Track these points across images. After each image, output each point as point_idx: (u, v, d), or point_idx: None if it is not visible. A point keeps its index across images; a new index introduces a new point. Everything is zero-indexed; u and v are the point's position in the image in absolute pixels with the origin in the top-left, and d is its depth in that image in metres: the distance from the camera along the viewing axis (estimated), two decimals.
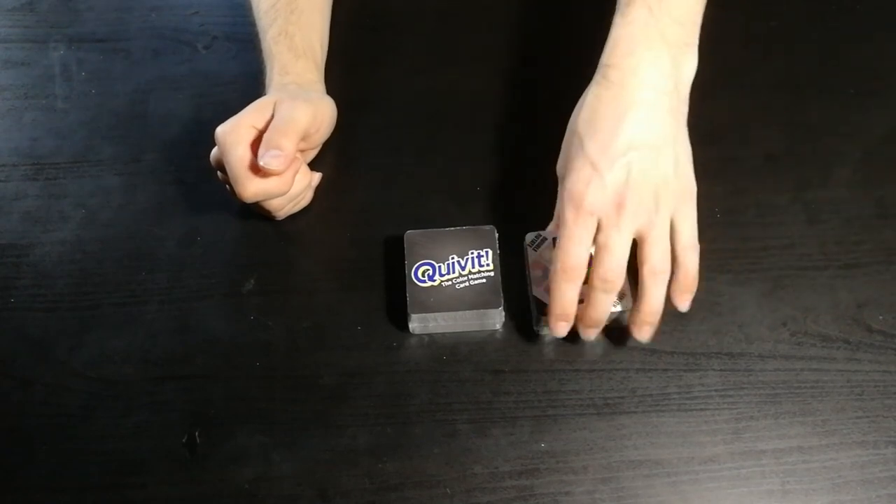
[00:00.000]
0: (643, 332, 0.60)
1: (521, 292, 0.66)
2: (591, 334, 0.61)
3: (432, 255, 0.64)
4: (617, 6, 0.61)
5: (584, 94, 0.60)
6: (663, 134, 0.57)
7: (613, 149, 0.56)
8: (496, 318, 0.64)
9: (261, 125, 0.64)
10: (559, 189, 0.60)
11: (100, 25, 0.83)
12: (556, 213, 0.62)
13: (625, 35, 0.59)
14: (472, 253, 0.64)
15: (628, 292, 0.61)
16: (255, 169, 0.62)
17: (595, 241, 0.57)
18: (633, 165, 0.56)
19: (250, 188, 0.62)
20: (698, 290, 0.62)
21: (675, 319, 0.65)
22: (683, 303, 0.60)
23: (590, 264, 0.58)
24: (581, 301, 0.59)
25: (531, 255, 0.64)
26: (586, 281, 0.59)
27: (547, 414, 0.62)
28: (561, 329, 0.60)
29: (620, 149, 0.56)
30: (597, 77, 0.59)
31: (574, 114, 0.60)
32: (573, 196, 0.57)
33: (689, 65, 0.59)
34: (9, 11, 0.85)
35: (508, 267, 0.66)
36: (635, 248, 0.58)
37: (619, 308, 0.62)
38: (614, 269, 0.56)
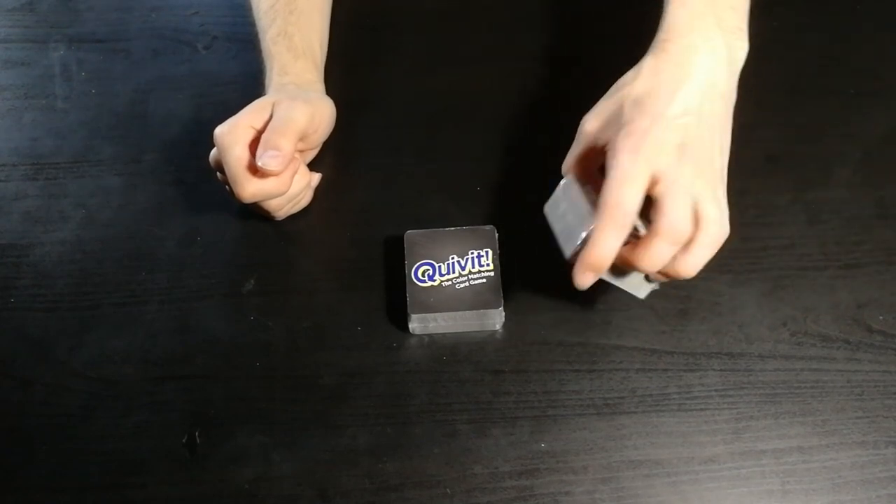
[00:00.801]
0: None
1: (522, 292, 0.66)
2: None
3: (432, 255, 0.64)
4: None
5: (638, 66, 0.58)
6: (715, 116, 0.57)
7: (672, 110, 0.55)
8: (496, 318, 0.64)
9: (259, 125, 0.64)
10: (580, 134, 0.59)
11: (100, 25, 0.83)
12: (570, 162, 0.60)
13: (682, 17, 0.58)
14: (472, 253, 0.64)
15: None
16: (254, 169, 0.62)
17: (655, 193, 0.54)
18: (689, 130, 0.55)
19: (249, 188, 0.62)
20: (698, 289, 0.63)
21: (675, 319, 0.65)
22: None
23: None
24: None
25: (572, 191, 0.60)
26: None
27: (547, 414, 0.62)
28: (587, 280, 0.55)
29: (678, 111, 0.55)
30: (654, 50, 0.58)
31: (627, 79, 0.58)
32: (630, 140, 0.54)
33: (741, 50, 0.59)
34: (9, 11, 0.85)
35: (508, 267, 0.66)
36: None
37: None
38: (682, 217, 0.53)
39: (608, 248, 0.53)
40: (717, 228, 0.55)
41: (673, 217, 0.53)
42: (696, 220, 0.54)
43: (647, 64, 0.58)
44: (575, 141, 0.60)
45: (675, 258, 0.55)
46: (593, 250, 0.54)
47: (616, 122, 0.56)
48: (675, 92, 0.55)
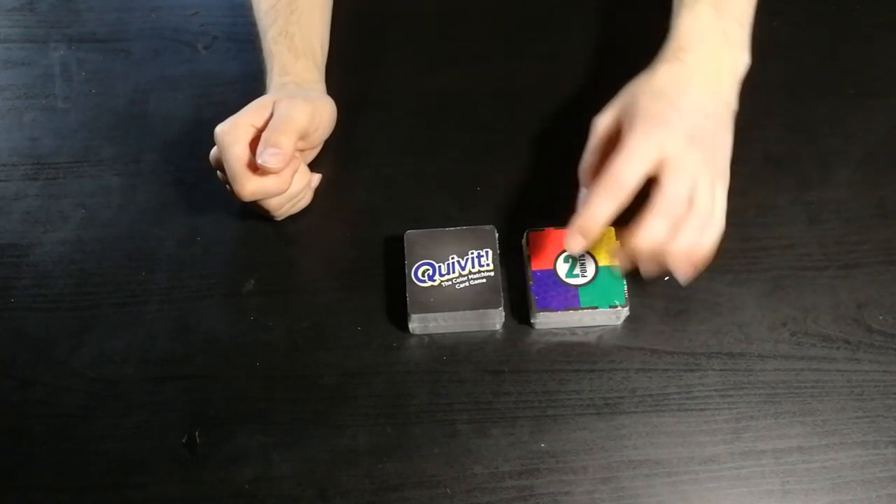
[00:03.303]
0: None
1: (522, 292, 0.66)
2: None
3: (432, 255, 0.64)
4: (680, 2, 0.64)
5: (651, 69, 0.61)
6: (720, 119, 0.60)
7: (685, 103, 0.59)
8: (496, 318, 0.64)
9: (259, 124, 0.64)
10: (593, 134, 0.61)
11: (100, 25, 0.83)
12: (586, 164, 0.61)
13: (694, 29, 0.62)
14: (472, 253, 0.64)
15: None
16: (254, 167, 0.62)
17: (658, 174, 0.56)
18: (698, 123, 0.58)
19: (249, 187, 0.62)
20: (699, 289, 0.62)
21: (675, 320, 0.65)
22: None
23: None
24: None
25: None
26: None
27: (547, 414, 0.62)
28: (577, 245, 0.57)
29: (691, 106, 0.59)
30: (667, 55, 0.61)
31: (641, 80, 0.61)
32: (645, 123, 0.57)
33: (743, 63, 0.63)
34: (9, 11, 0.85)
35: (508, 267, 0.66)
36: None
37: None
38: (679, 193, 0.56)
39: (600, 215, 0.56)
40: (706, 213, 0.57)
41: (670, 193, 0.56)
42: (690, 204, 0.56)
43: (662, 67, 0.61)
44: (588, 143, 0.62)
45: (665, 243, 0.56)
46: (586, 214, 0.56)
47: (630, 112, 0.59)
48: (688, 88, 0.59)
